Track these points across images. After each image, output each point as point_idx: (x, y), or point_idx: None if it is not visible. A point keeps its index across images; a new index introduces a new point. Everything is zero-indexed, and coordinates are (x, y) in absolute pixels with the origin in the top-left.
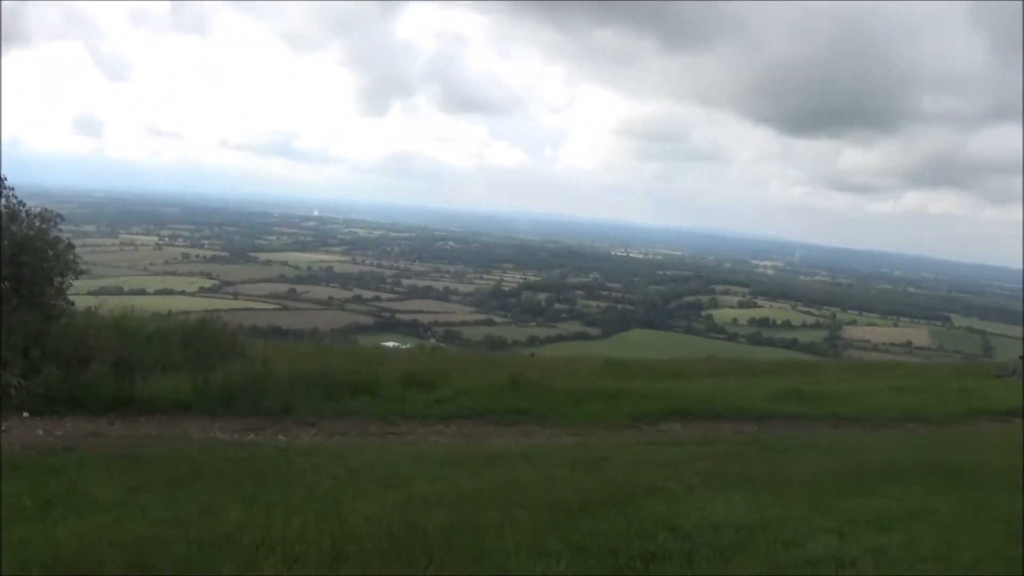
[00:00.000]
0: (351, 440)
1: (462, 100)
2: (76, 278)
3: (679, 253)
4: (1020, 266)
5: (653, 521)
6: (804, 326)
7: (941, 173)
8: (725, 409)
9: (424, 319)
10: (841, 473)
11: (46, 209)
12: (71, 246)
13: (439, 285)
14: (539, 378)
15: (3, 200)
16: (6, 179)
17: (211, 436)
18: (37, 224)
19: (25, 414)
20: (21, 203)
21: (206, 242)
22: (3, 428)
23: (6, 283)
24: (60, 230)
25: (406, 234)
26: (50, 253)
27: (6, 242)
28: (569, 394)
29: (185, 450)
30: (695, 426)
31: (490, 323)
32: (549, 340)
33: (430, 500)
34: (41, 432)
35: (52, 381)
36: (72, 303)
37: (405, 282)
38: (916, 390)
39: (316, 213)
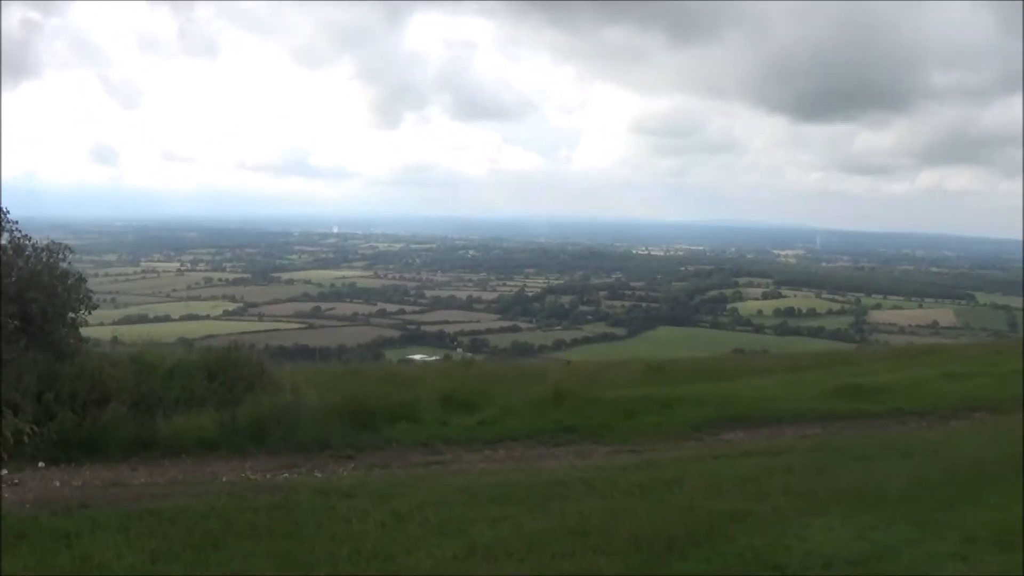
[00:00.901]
0: (394, 474)
1: (474, 107)
2: (89, 313)
3: (700, 247)
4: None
5: (751, 558)
6: (829, 313)
7: (956, 149)
8: (785, 412)
9: (450, 329)
10: (933, 481)
11: (53, 242)
12: (82, 279)
13: (462, 294)
14: (582, 389)
15: (6, 235)
16: (8, 212)
17: (242, 478)
18: (44, 258)
19: (40, 464)
20: (26, 236)
21: (228, 265)
22: (16, 481)
23: (14, 322)
24: (70, 263)
25: (427, 245)
26: (59, 288)
27: (13, 278)
28: (618, 405)
29: (213, 500)
30: (757, 433)
31: (515, 329)
32: (575, 343)
33: (494, 549)
34: (58, 483)
35: (68, 426)
36: (86, 340)
37: (428, 293)
38: (970, 376)
39: (336, 229)
